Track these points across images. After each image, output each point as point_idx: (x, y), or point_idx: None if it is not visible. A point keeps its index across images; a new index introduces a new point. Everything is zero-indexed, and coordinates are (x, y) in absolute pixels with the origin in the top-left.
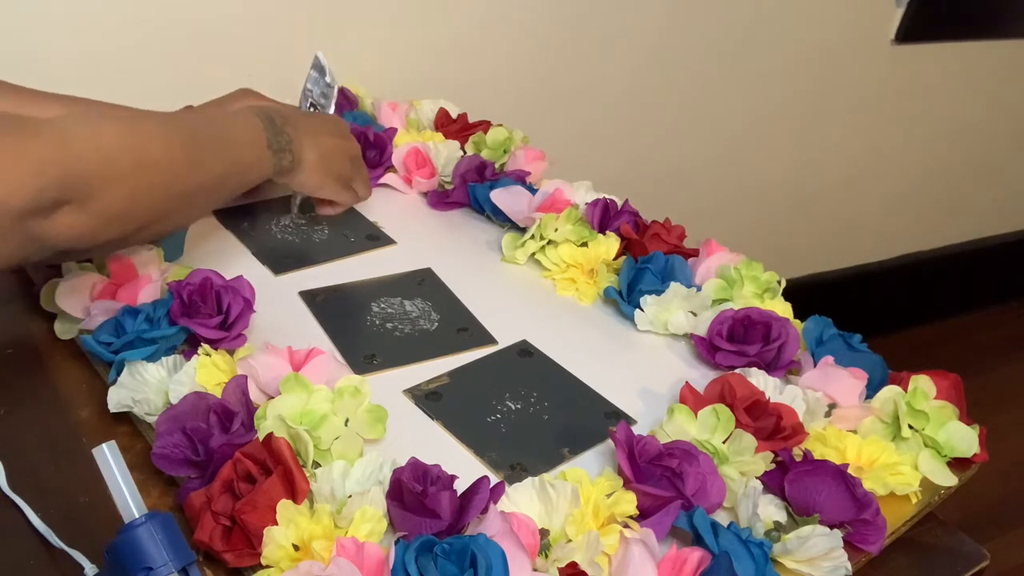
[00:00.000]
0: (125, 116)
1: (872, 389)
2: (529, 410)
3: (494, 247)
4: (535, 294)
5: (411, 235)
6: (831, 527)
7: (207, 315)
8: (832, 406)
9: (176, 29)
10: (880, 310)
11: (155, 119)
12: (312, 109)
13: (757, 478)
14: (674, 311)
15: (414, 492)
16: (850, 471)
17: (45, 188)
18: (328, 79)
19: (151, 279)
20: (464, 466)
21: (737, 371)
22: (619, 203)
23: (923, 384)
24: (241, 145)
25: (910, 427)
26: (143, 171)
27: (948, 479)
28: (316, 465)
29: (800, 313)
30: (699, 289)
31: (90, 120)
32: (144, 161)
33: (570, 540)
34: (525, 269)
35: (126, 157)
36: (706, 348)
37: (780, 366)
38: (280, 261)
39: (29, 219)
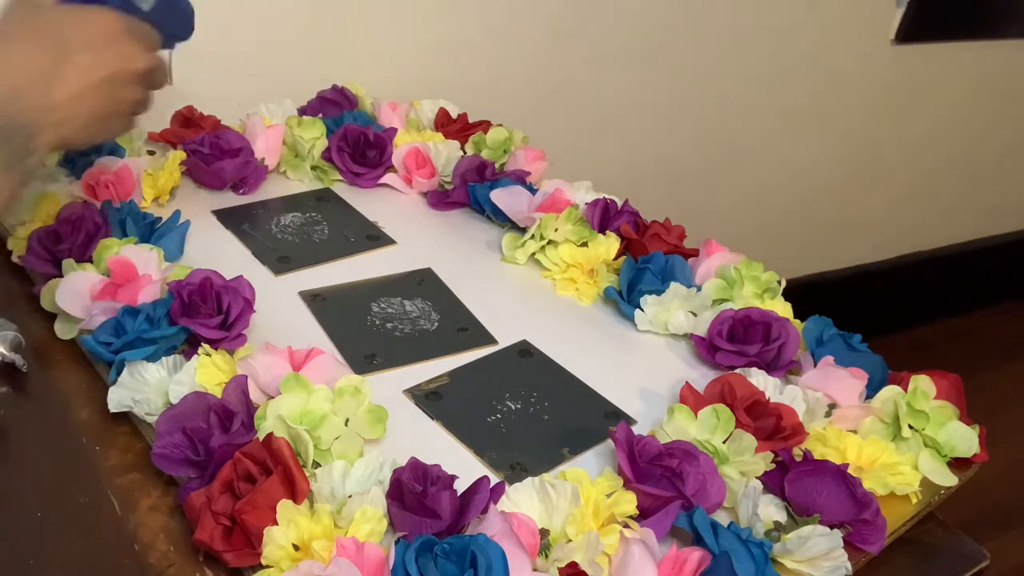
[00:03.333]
0: None
1: (872, 389)
2: (529, 410)
3: (494, 247)
4: (535, 294)
5: (411, 235)
6: (831, 527)
7: (207, 315)
8: (832, 406)
9: None
10: (880, 310)
11: None
12: None
13: (757, 478)
14: (674, 311)
15: (414, 492)
16: (850, 471)
17: None
18: None
19: (151, 279)
20: (464, 466)
21: (737, 371)
22: (619, 203)
23: (923, 384)
24: None
25: (910, 427)
26: None
27: (948, 479)
28: (316, 465)
29: (800, 313)
30: (699, 289)
31: None
32: None
33: (570, 540)
34: (525, 269)
35: None
36: (706, 348)
37: (780, 366)
38: (280, 261)
39: None
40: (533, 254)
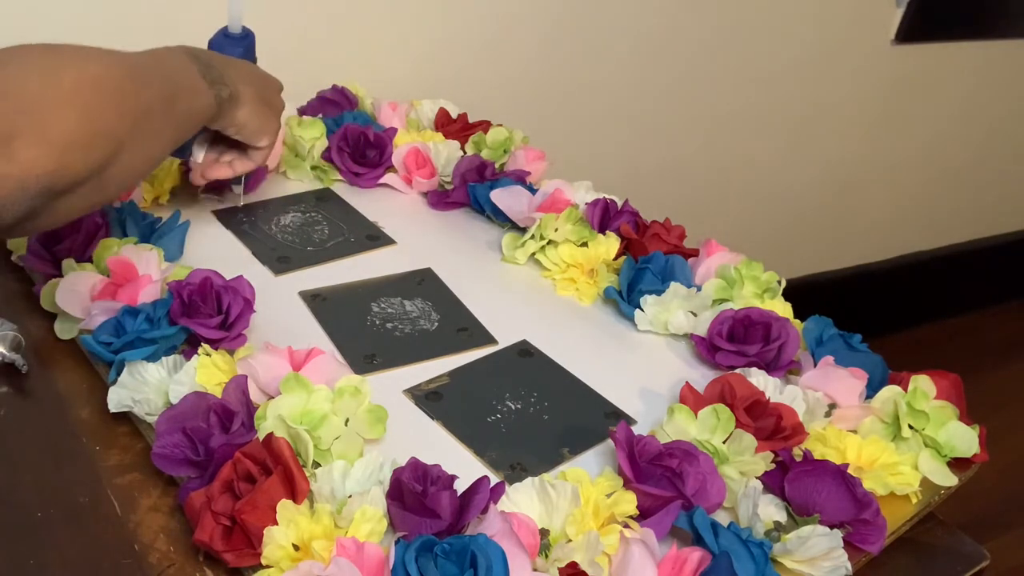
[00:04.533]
0: (51, 44)
1: (872, 389)
2: (529, 410)
3: (494, 247)
4: (535, 294)
5: (411, 235)
6: (831, 527)
7: (207, 315)
8: (832, 406)
9: (172, 30)
10: (880, 310)
11: (84, 46)
12: None
13: (757, 478)
14: (674, 311)
15: (414, 492)
16: (850, 471)
17: None
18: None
19: (151, 279)
20: (464, 466)
21: (737, 371)
22: (619, 203)
23: (923, 384)
24: (177, 71)
25: (910, 427)
26: (87, 89)
27: (948, 479)
28: (316, 465)
29: (800, 313)
30: (699, 289)
31: (14, 50)
32: (84, 78)
33: (570, 540)
34: (525, 269)
35: (65, 76)
36: (706, 348)
37: (780, 366)
38: (280, 261)
39: None
40: (533, 254)
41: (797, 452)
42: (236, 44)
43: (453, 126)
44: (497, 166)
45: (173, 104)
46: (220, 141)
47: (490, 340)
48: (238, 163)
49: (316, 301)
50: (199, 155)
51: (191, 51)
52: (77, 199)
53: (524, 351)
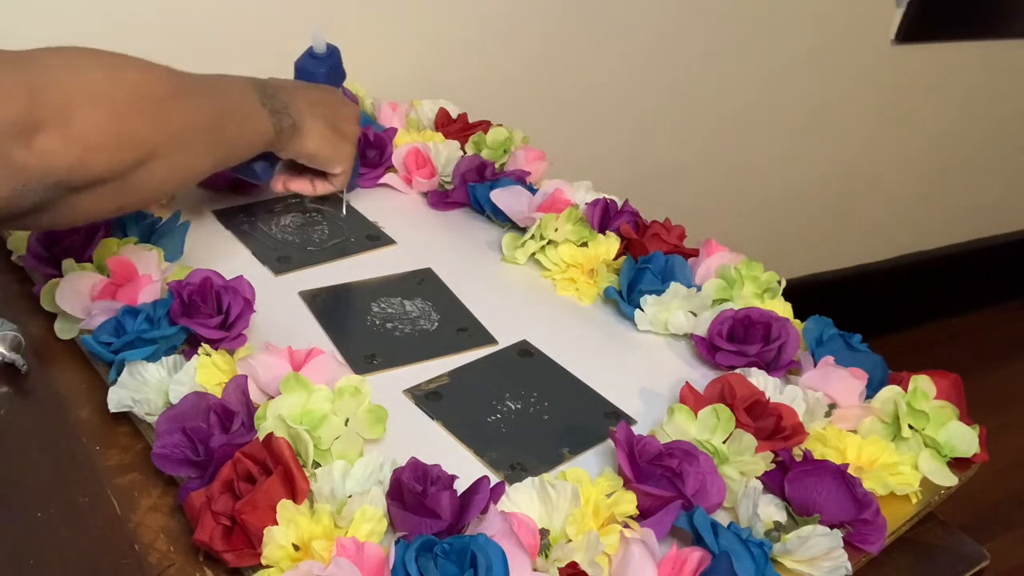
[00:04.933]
0: (100, 50)
1: (872, 389)
2: (529, 410)
3: (494, 247)
4: (535, 294)
5: (411, 235)
6: (831, 527)
7: (207, 315)
8: (832, 406)
9: (170, 29)
10: (880, 310)
11: (132, 57)
12: None
13: (757, 478)
14: (674, 311)
15: (414, 492)
16: (850, 471)
17: (17, 111)
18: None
19: (151, 279)
20: (464, 466)
21: (737, 371)
22: (619, 203)
23: (923, 384)
24: (234, 97)
25: (910, 427)
26: (122, 92)
27: (948, 479)
28: (316, 465)
29: (800, 313)
30: (699, 289)
31: (59, 49)
32: (121, 81)
33: (570, 540)
34: (525, 269)
35: (100, 77)
36: (706, 348)
37: (780, 366)
38: (280, 261)
39: (5, 143)
40: (533, 254)
41: (797, 452)
42: (321, 63)
43: (453, 126)
44: (497, 166)
45: (223, 124)
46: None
47: (490, 340)
48: (319, 184)
49: (316, 301)
50: (267, 176)
51: (256, 81)
52: (98, 198)
53: (524, 351)
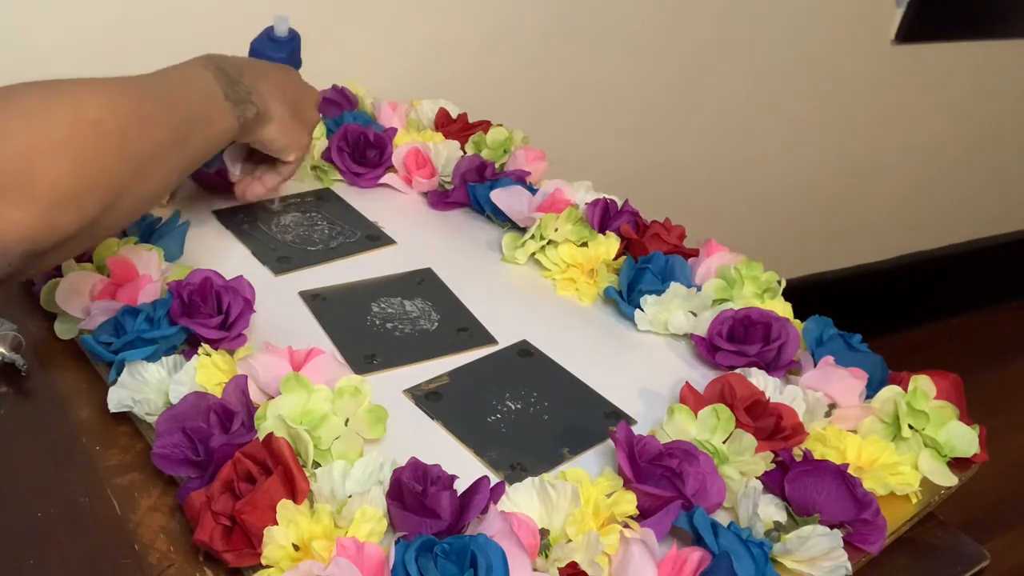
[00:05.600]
0: (50, 82)
1: (872, 389)
2: (529, 410)
3: (494, 247)
4: (535, 294)
5: (411, 235)
6: (831, 527)
7: (207, 315)
8: (832, 406)
9: (169, 28)
10: (880, 310)
11: (88, 82)
12: None
13: (757, 478)
14: (674, 311)
15: (414, 492)
16: (850, 471)
17: None
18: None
19: (151, 279)
20: (464, 466)
21: (737, 371)
22: (619, 203)
23: (923, 384)
24: (197, 97)
25: (910, 427)
26: (84, 135)
27: (948, 479)
28: (316, 465)
29: (800, 313)
30: (699, 289)
31: (10, 92)
32: (82, 122)
33: (570, 540)
34: (525, 269)
35: (60, 122)
36: (706, 348)
37: (780, 366)
38: (280, 261)
39: None
40: (533, 254)
41: (797, 452)
42: (280, 48)
43: (453, 126)
44: (497, 166)
45: (188, 135)
46: (251, 153)
47: (490, 340)
48: (268, 177)
49: (316, 301)
50: (235, 170)
51: (220, 65)
52: (64, 253)
53: (524, 351)
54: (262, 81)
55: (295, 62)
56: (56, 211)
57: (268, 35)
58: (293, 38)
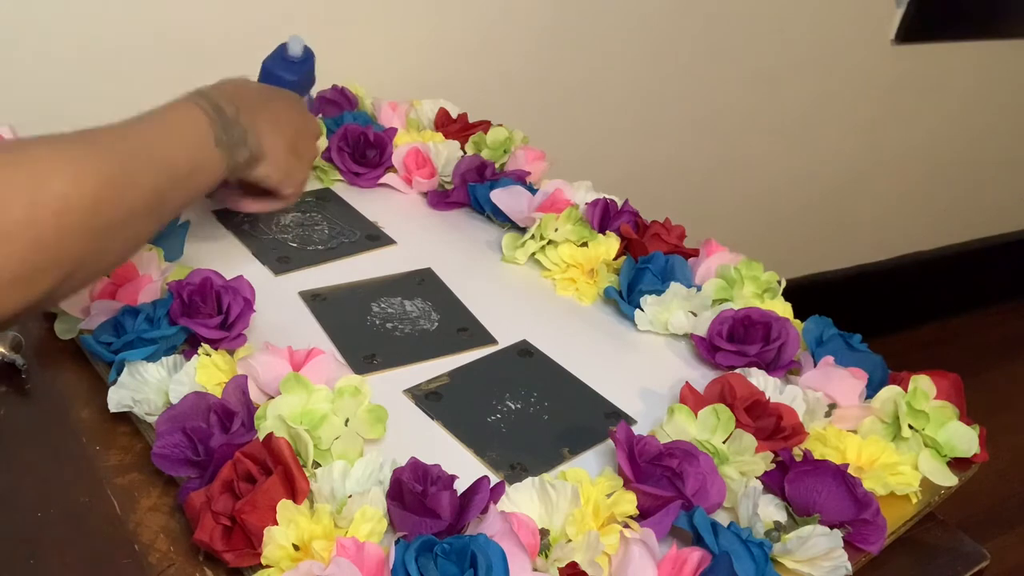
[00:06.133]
0: (12, 147)
1: (872, 389)
2: (529, 410)
3: (494, 247)
4: (535, 294)
5: (411, 235)
6: (831, 527)
7: (207, 315)
8: (832, 406)
9: (170, 30)
10: (880, 310)
11: (55, 143)
12: None
13: (757, 478)
14: (674, 311)
15: (414, 492)
16: (850, 471)
17: None
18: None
19: (151, 279)
20: (464, 466)
21: (737, 371)
22: (619, 203)
23: (923, 384)
24: (182, 148)
25: (910, 427)
26: (44, 215)
27: (948, 479)
28: (316, 465)
29: (800, 313)
30: (699, 289)
31: None
32: (42, 200)
33: (570, 540)
34: (525, 269)
35: (16, 202)
36: (706, 348)
37: (780, 366)
38: (280, 261)
39: None
40: (533, 254)
41: (797, 452)
42: (294, 69)
43: (453, 126)
44: (497, 166)
45: (164, 200)
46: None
47: (490, 340)
48: (267, 202)
49: (316, 301)
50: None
51: (216, 103)
52: (10, 324)
53: (524, 351)
54: (261, 114)
55: (309, 81)
56: (1, 292)
57: (281, 55)
58: (307, 58)
